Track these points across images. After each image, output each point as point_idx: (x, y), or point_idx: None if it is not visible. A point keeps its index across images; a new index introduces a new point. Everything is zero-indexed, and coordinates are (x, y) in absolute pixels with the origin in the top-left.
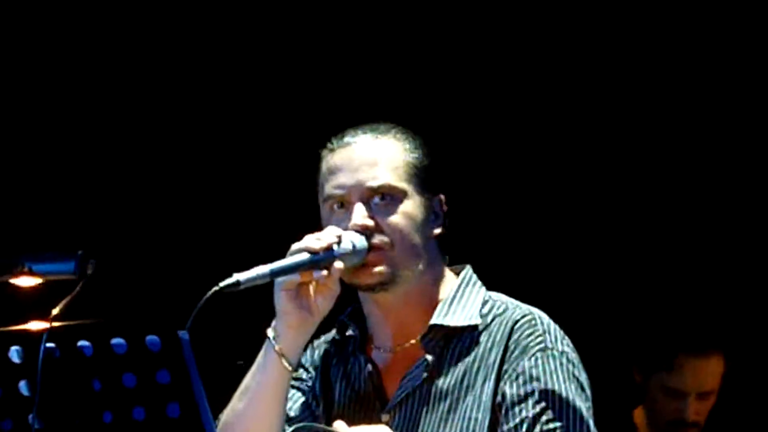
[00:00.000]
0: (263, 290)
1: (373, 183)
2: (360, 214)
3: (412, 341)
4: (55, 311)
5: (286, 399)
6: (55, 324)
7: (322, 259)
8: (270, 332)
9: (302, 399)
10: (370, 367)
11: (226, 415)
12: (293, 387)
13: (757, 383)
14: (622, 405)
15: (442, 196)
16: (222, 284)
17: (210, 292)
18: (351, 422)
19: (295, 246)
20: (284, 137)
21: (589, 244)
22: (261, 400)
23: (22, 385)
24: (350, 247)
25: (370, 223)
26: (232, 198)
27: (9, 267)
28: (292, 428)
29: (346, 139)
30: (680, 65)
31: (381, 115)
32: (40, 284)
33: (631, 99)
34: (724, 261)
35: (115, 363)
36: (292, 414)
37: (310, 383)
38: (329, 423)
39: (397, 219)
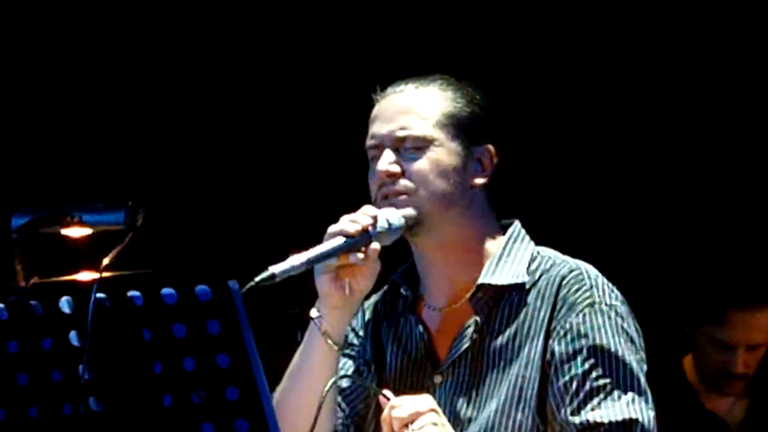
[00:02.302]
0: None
1: (401, 132)
2: (386, 161)
3: (463, 300)
4: (105, 261)
5: (335, 377)
6: (106, 274)
7: (358, 241)
8: (313, 313)
9: (353, 367)
10: (421, 328)
11: (277, 395)
12: (344, 355)
13: None
14: (672, 353)
15: (491, 147)
16: (257, 279)
17: (245, 288)
18: (404, 384)
19: (331, 229)
20: (334, 87)
21: (640, 198)
22: (307, 380)
23: (73, 336)
24: (386, 225)
25: (395, 169)
26: (285, 146)
27: (59, 217)
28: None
29: (388, 89)
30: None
31: (437, 69)
32: (90, 234)
33: (680, 49)
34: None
35: (165, 313)
36: (345, 384)
37: (360, 348)
38: (380, 385)
39: (421, 165)
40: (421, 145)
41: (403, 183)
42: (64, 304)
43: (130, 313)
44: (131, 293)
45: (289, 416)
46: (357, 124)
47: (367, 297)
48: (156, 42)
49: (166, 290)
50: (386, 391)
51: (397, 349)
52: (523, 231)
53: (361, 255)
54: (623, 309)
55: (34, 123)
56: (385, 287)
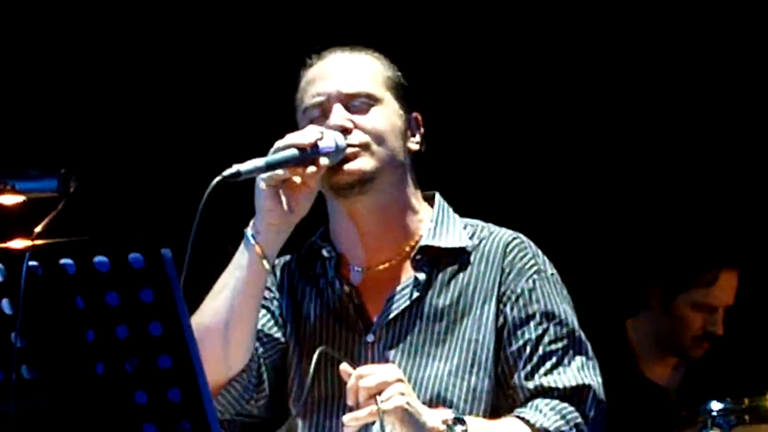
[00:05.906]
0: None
1: (351, 89)
2: (339, 115)
3: (393, 261)
4: (37, 229)
5: (261, 299)
6: (38, 242)
7: (309, 155)
8: (249, 230)
9: (268, 315)
10: (347, 288)
11: (199, 316)
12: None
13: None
14: (615, 318)
15: (418, 115)
16: (224, 174)
17: (214, 182)
18: (332, 343)
19: (279, 143)
20: (265, 66)
21: (598, 169)
22: (238, 298)
23: (5, 304)
24: (333, 144)
25: (349, 124)
26: (215, 115)
27: None
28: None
29: (324, 53)
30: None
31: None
32: (22, 202)
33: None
34: (726, 179)
35: (98, 281)
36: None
37: (275, 303)
38: (300, 343)
39: (375, 121)
40: (371, 102)
41: (357, 136)
42: None
43: (62, 281)
44: (64, 261)
45: (213, 336)
46: (286, 95)
47: (277, 256)
48: (86, 7)
49: (98, 258)
50: (344, 365)
51: (320, 309)
52: (446, 203)
53: (314, 168)
54: (559, 278)
55: None
56: (300, 249)
